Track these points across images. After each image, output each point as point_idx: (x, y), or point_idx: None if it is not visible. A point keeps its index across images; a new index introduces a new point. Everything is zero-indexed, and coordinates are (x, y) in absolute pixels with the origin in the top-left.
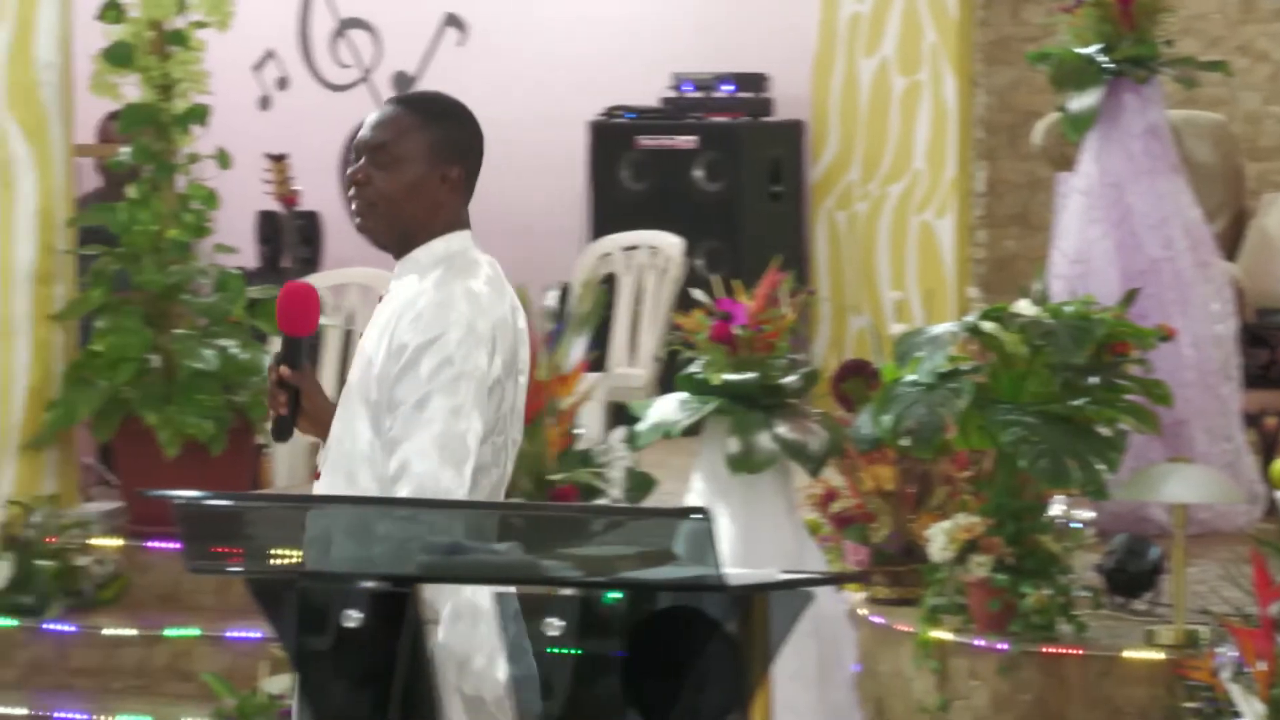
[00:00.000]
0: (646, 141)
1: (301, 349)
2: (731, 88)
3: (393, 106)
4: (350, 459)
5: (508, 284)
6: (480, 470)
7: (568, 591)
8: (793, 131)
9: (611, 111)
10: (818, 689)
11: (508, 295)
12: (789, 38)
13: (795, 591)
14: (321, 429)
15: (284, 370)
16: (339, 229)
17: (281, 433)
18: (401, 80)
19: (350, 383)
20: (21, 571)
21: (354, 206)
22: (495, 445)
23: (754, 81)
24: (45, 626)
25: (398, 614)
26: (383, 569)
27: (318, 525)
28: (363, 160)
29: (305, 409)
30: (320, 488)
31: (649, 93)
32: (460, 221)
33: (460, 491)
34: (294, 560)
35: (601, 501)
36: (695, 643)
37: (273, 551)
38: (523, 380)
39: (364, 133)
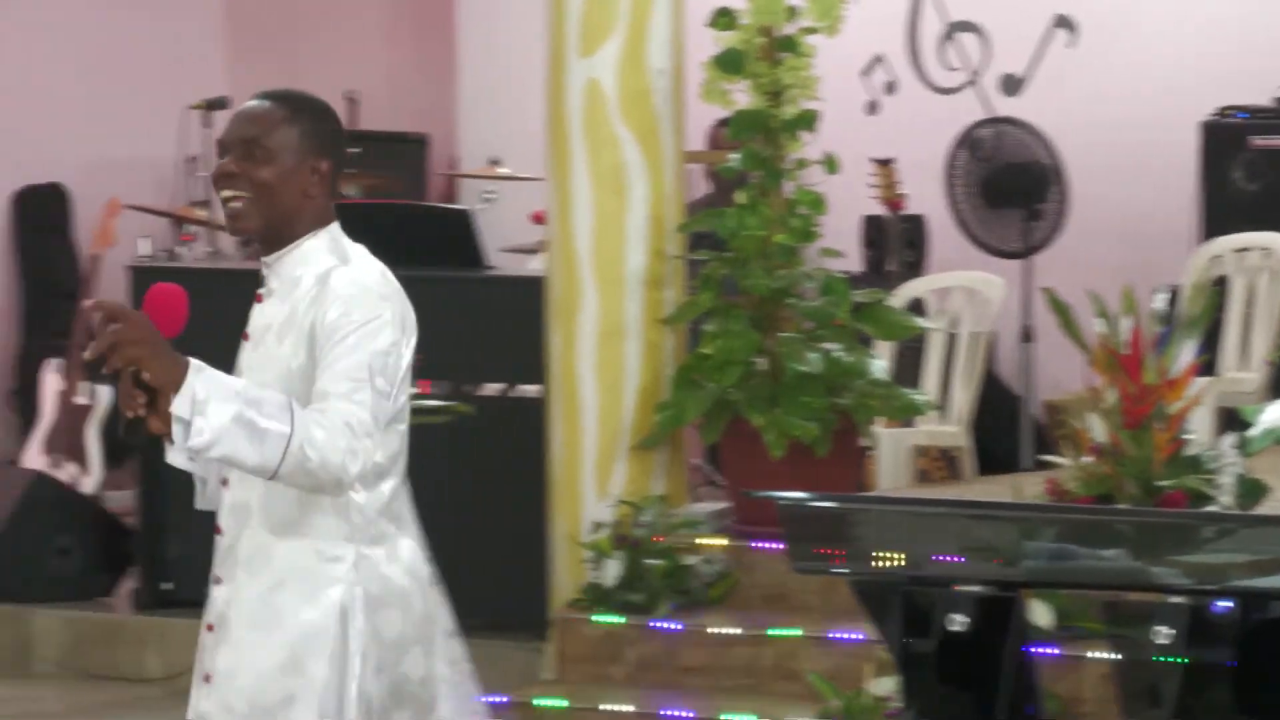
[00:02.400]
0: (1260, 142)
1: None
2: None
3: (259, 102)
4: None
5: None
6: (391, 459)
7: (1177, 599)
8: None
9: (1224, 111)
10: None
11: None
12: None
13: None
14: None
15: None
16: (945, 233)
17: (135, 433)
18: (1009, 82)
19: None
20: (631, 570)
21: (225, 200)
22: (400, 434)
23: None
24: (654, 624)
25: (1004, 618)
26: (989, 574)
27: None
28: (231, 155)
29: (160, 409)
30: (234, 495)
31: (1263, 91)
32: (330, 214)
33: (371, 435)
34: (898, 562)
35: (1211, 508)
36: None
37: (876, 553)
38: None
39: (232, 128)
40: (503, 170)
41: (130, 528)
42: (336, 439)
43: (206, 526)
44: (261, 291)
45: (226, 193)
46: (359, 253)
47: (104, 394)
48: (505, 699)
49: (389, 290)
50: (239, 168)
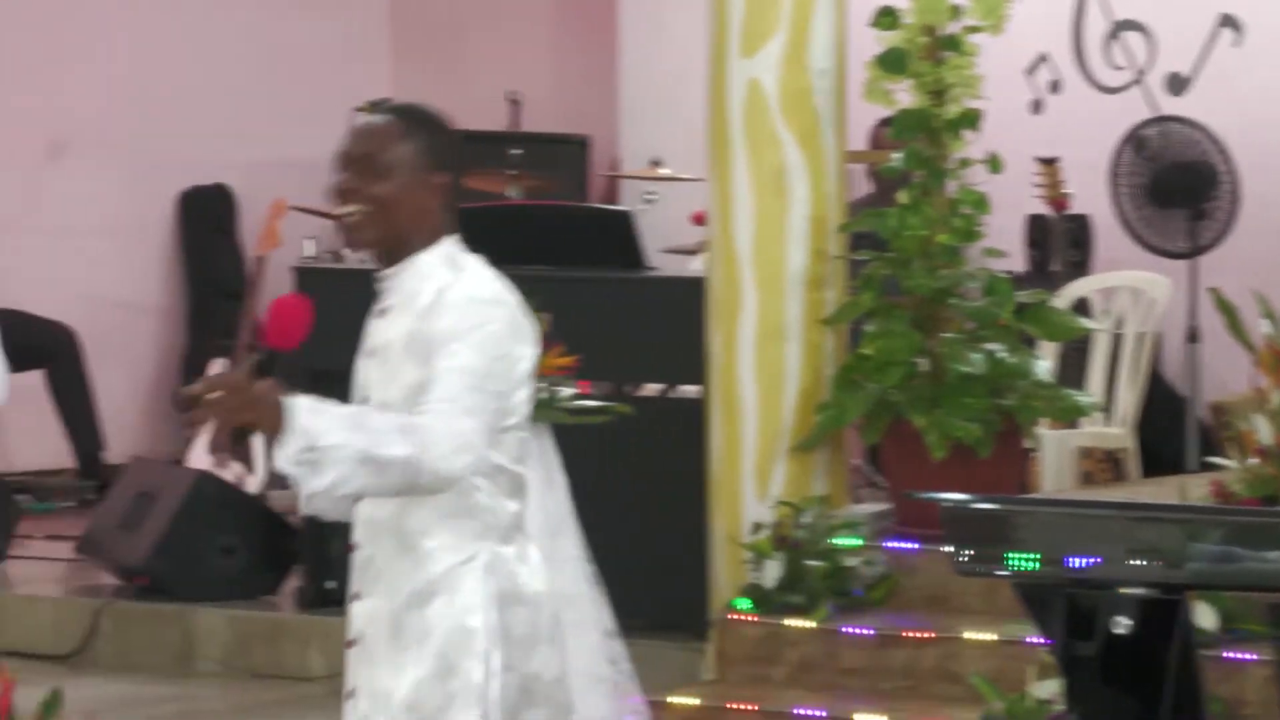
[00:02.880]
0: None
1: (277, 363)
2: None
3: (373, 117)
4: None
5: None
6: (515, 462)
7: None
8: None
9: None
10: None
11: None
12: None
13: None
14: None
15: (259, 384)
16: (1110, 232)
17: (241, 439)
18: (1175, 82)
19: (382, 403)
20: (792, 571)
21: (344, 217)
22: (520, 439)
23: None
24: (814, 625)
25: (1168, 621)
26: (1153, 576)
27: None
28: (349, 171)
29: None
30: (366, 510)
31: None
32: (446, 227)
33: (478, 439)
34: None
35: None
36: None
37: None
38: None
39: (347, 145)
40: (664, 171)
41: (294, 526)
42: (444, 444)
43: None
44: (379, 308)
45: (345, 207)
46: (474, 264)
47: None
48: (665, 699)
49: (501, 298)
50: (357, 183)
